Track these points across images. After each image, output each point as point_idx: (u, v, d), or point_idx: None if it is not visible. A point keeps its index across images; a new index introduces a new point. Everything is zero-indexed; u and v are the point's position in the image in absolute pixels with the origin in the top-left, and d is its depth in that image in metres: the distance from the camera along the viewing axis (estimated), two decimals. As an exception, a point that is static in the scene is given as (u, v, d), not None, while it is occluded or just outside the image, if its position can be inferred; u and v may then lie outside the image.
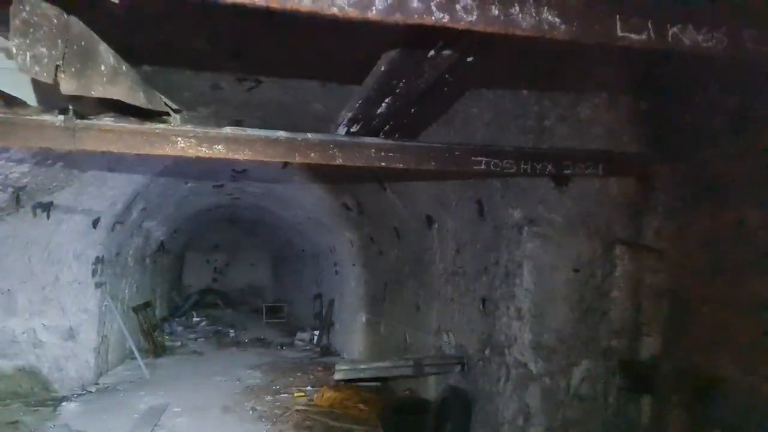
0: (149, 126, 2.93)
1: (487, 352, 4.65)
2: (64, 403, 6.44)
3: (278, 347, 11.33)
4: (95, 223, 7.25)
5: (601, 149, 3.66)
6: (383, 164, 3.22)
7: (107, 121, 2.90)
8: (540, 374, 4.03)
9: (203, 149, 2.97)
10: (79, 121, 2.83)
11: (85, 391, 7.12)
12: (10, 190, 5.60)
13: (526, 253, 4.10)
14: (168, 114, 3.04)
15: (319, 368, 8.94)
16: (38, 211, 6.45)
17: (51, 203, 6.49)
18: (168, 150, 2.93)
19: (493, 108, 4.10)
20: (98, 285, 7.54)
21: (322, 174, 7.66)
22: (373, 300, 8.53)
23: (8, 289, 6.57)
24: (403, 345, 6.85)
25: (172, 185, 8.55)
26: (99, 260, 7.56)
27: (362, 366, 5.02)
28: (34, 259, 6.72)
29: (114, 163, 6.48)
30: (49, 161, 5.39)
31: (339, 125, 3.03)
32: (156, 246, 11.47)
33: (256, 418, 6.15)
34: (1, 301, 6.53)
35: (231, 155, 3.02)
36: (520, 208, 4.15)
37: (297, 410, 6.30)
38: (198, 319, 15.00)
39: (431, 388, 5.87)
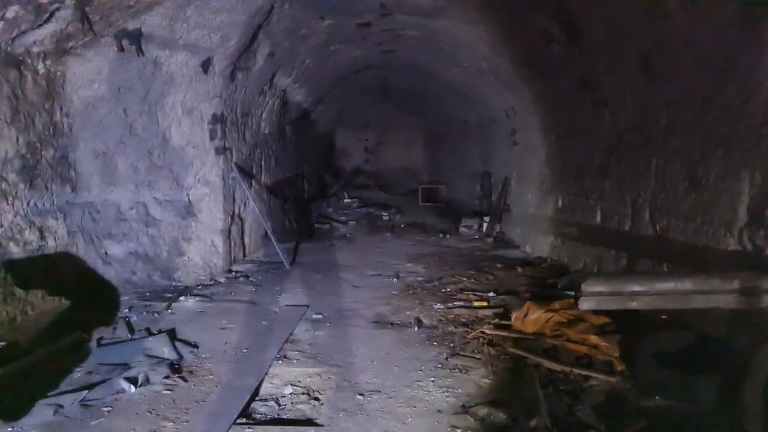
0: None
1: None
2: (182, 298, 5.05)
3: (439, 235, 9.37)
4: (205, 66, 5.41)
5: None
6: None
7: None
8: None
9: None
10: None
11: (213, 281, 5.75)
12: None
13: None
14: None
15: (498, 265, 6.73)
16: (125, 42, 4.70)
17: (139, 32, 4.68)
18: None
19: None
20: (219, 151, 5.87)
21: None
22: (580, 175, 5.89)
23: (103, 152, 5.09)
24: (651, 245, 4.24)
25: (303, 20, 6.37)
26: (218, 119, 5.82)
27: (636, 286, 2.56)
28: (131, 111, 5.12)
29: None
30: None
31: None
32: (298, 113, 9.74)
33: (424, 340, 4.15)
34: (97, 166, 5.09)
35: None
36: None
37: (485, 335, 4.16)
38: (349, 200, 13.72)
39: (720, 320, 3.29)
